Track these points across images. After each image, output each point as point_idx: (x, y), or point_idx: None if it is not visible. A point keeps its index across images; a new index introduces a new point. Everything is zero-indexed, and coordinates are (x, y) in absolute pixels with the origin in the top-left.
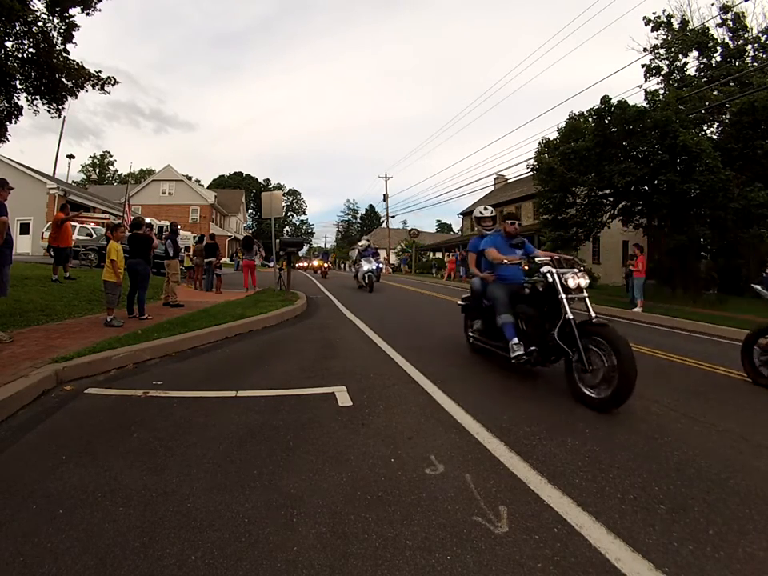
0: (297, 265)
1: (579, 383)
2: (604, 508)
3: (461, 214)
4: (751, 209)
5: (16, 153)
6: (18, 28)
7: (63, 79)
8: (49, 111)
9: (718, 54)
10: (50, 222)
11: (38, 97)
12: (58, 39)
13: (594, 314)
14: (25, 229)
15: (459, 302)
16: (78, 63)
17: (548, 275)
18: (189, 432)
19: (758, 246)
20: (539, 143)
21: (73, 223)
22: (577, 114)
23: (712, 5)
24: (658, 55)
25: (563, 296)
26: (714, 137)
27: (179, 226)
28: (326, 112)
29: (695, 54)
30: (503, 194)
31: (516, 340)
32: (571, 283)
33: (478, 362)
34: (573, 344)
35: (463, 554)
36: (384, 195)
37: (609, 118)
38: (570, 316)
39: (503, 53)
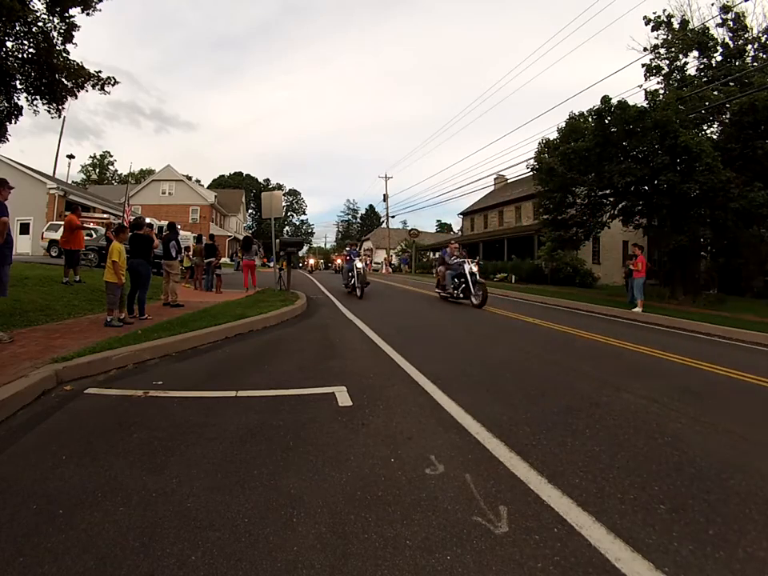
0: (337, 263)
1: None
2: (604, 508)
3: (461, 214)
4: (751, 209)
5: (16, 153)
6: (18, 28)
7: (63, 79)
8: (49, 111)
9: (718, 53)
10: (50, 222)
11: (38, 97)
12: (58, 39)
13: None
14: (25, 229)
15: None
16: (78, 63)
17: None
18: (189, 432)
19: (757, 246)
20: (539, 143)
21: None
22: (577, 113)
23: (712, 5)
24: (658, 55)
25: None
26: (714, 137)
27: (179, 226)
28: (326, 112)
29: (695, 53)
30: (503, 194)
31: None
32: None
33: (477, 362)
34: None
35: (463, 553)
36: (384, 195)
37: (609, 118)
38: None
39: (503, 53)
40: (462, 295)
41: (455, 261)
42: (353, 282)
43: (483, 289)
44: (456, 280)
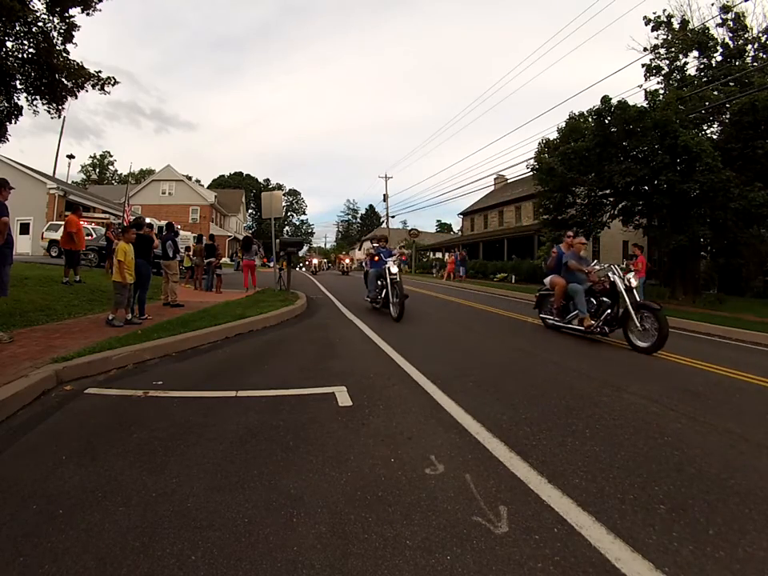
0: (345, 262)
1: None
2: (604, 508)
3: (461, 214)
4: (751, 209)
5: (16, 153)
6: (18, 28)
7: (63, 79)
8: (49, 111)
9: (718, 53)
10: (50, 222)
11: (37, 97)
12: (58, 39)
13: None
14: (25, 229)
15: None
16: (78, 63)
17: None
18: (189, 432)
19: (758, 246)
20: (539, 143)
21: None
22: (577, 114)
23: (712, 5)
24: (658, 55)
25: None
26: (714, 137)
27: (179, 226)
28: (326, 112)
29: (695, 53)
30: (503, 194)
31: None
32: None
33: (477, 362)
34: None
35: (463, 553)
36: (384, 195)
37: (609, 118)
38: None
39: (503, 53)
40: (606, 329)
41: (597, 269)
42: (384, 294)
43: (660, 319)
44: (593, 300)
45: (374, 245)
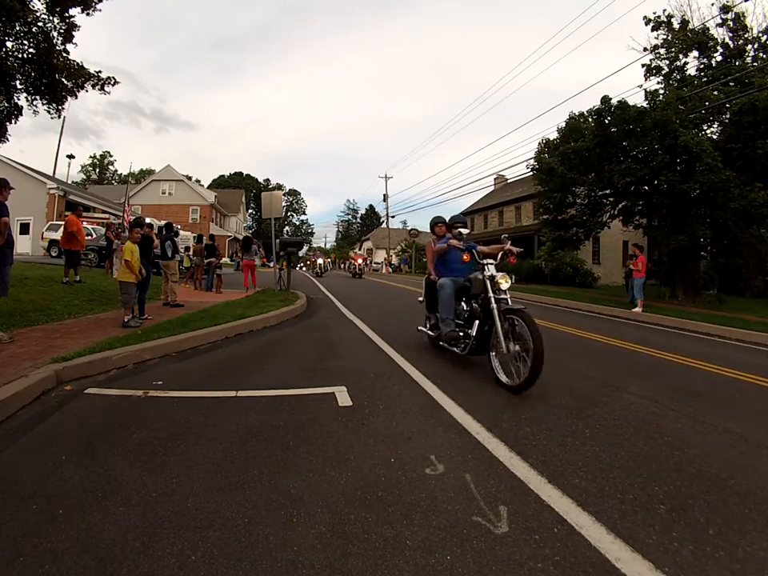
0: (358, 262)
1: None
2: (604, 508)
3: (461, 214)
4: (751, 209)
5: (16, 153)
6: (18, 28)
7: (63, 79)
8: (49, 111)
9: (718, 53)
10: (50, 222)
11: (37, 97)
12: (58, 39)
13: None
14: (25, 229)
15: None
16: (78, 63)
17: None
18: (189, 432)
19: (758, 246)
20: (539, 143)
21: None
22: (577, 114)
23: (712, 5)
24: (658, 55)
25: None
26: (714, 137)
27: (178, 226)
28: (326, 112)
29: (695, 53)
30: (503, 194)
31: None
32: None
33: (478, 363)
34: None
35: (463, 553)
36: (384, 195)
37: (609, 117)
38: None
39: (503, 53)
40: None
41: None
42: (476, 329)
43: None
44: None
45: (458, 230)
